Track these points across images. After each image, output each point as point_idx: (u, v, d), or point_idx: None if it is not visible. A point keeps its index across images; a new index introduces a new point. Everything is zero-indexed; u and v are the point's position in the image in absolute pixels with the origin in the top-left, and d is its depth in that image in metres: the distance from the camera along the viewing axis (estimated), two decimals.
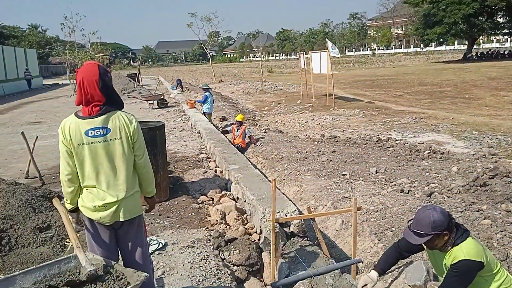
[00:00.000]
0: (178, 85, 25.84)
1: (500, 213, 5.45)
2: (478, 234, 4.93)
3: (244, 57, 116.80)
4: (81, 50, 48.94)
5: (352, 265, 4.04)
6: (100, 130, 2.52)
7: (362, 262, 4.14)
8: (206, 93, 12.88)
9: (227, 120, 14.15)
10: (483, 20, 44.82)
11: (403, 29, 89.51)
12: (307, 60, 20.67)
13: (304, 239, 4.36)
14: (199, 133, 10.04)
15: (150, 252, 3.84)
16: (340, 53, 19.79)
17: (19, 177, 6.63)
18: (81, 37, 61.99)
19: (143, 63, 73.38)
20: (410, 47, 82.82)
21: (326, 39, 18.61)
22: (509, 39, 64.32)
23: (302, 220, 4.38)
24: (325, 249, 4.15)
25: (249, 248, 4.15)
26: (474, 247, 2.68)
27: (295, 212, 4.32)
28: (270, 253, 4.22)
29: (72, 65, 45.70)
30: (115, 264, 2.46)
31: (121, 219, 2.63)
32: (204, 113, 12.32)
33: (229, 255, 4.07)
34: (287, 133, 12.94)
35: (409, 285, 4.31)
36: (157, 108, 15.40)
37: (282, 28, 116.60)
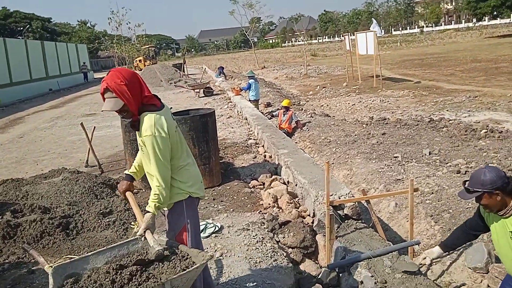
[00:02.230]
0: (221, 73, 26.07)
1: None
2: None
3: (286, 42, 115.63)
4: (128, 43, 50.48)
5: (409, 247, 3.97)
6: None
7: (419, 244, 4.04)
8: (250, 80, 12.91)
9: (272, 106, 14.13)
10: None
11: (453, 3, 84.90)
12: (352, 41, 20.17)
13: (359, 221, 4.32)
14: (246, 119, 10.12)
15: (207, 235, 3.97)
16: (384, 33, 19.10)
17: (79, 166, 7.00)
18: (128, 30, 63.64)
19: (187, 53, 74.48)
20: (461, 23, 78.43)
21: (372, 18, 17.97)
22: None
23: (356, 203, 4.34)
24: (380, 231, 4.10)
25: (303, 230, 4.17)
26: None
27: (348, 194, 4.29)
28: (325, 235, 4.23)
29: (120, 58, 47.27)
30: (179, 245, 2.55)
31: None
32: (250, 101, 12.38)
33: (284, 237, 4.11)
34: (333, 116, 12.76)
35: (470, 268, 4.18)
36: (203, 97, 15.63)
37: (324, 10, 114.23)
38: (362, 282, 3.33)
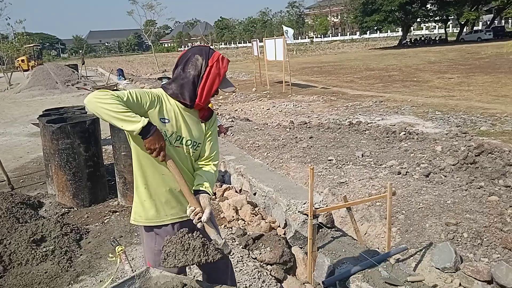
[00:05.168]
0: (120, 75, 24.62)
1: (500, 188, 5.53)
2: (489, 210, 4.95)
3: (182, 46, 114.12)
4: (5, 41, 45.03)
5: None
6: None
7: (408, 249, 3.94)
8: (162, 82, 12.20)
9: None
10: (417, 8, 47.13)
11: (339, 17, 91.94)
12: (260, 47, 20.42)
13: (333, 229, 4.10)
14: None
15: None
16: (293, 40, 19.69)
17: None
18: (6, 26, 56.71)
19: (81, 53, 68.71)
20: (346, 35, 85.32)
21: (283, 25, 18.31)
22: (437, 26, 68.27)
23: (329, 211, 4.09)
24: (360, 238, 3.92)
25: (279, 244, 3.81)
26: None
27: (322, 202, 4.03)
28: (301, 247, 3.92)
29: None
30: (192, 280, 2.02)
31: None
32: None
33: (260, 253, 3.71)
34: (251, 121, 12.62)
35: (438, 268, 4.20)
36: None
37: (220, 17, 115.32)
38: None
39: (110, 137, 7.20)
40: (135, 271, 2.26)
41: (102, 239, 3.77)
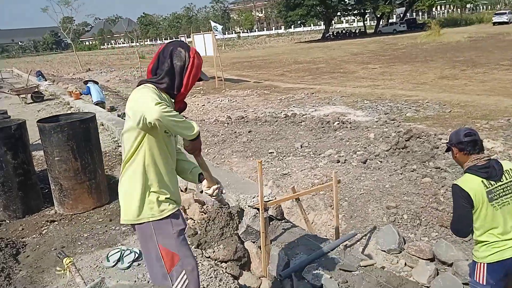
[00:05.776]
0: (39, 76, 23.05)
1: (431, 170, 5.92)
2: (424, 191, 5.28)
3: (105, 44, 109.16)
4: None
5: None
6: None
7: (356, 235, 4.06)
8: (89, 84, 11.60)
9: (117, 110, 12.98)
10: (337, 2, 49.12)
11: (263, 12, 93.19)
12: (188, 43, 20.05)
13: (283, 221, 4.13)
14: (102, 125, 8.94)
15: (128, 265, 3.20)
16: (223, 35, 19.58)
17: None
18: None
19: None
20: (272, 29, 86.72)
21: (210, 20, 18.14)
22: (356, 20, 71.74)
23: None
24: (310, 228, 3.99)
25: (232, 240, 3.75)
26: (469, 179, 2.43)
27: (271, 194, 4.04)
28: (254, 242, 3.90)
29: None
30: None
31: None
32: (97, 104, 11.03)
33: (214, 252, 3.63)
34: (187, 118, 12.41)
35: (384, 251, 4.39)
36: (32, 103, 13.30)
37: (144, 13, 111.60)
38: (322, 286, 3.12)
39: (37, 142, 6.69)
40: (87, 283, 2.11)
41: (42, 252, 3.48)
